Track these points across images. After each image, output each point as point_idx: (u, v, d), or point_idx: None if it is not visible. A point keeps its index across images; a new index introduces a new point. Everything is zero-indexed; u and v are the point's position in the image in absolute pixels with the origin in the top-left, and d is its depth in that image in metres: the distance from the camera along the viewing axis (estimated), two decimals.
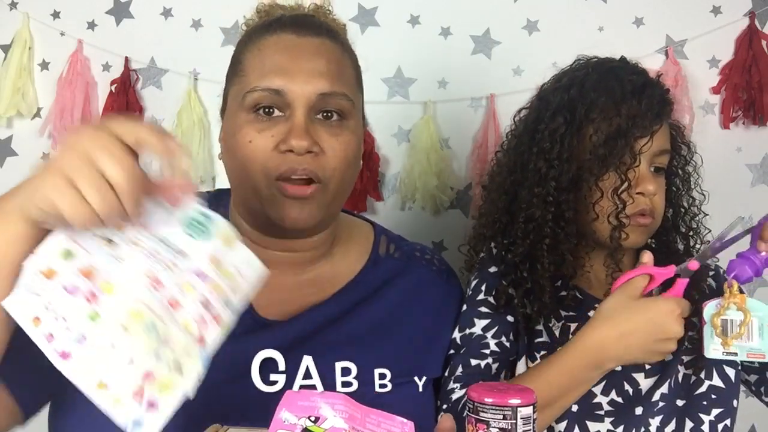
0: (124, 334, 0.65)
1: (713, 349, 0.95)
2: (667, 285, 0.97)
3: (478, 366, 1.03)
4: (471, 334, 1.05)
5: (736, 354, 0.95)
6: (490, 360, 1.03)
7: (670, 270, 0.96)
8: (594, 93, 1.05)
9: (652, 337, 0.93)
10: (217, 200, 1.05)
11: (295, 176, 0.91)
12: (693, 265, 0.96)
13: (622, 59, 1.11)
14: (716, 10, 1.60)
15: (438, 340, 1.05)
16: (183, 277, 0.70)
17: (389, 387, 0.95)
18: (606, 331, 0.94)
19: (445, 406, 1.00)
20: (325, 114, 0.93)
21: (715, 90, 1.61)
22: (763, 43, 1.57)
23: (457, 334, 1.06)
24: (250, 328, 0.93)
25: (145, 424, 0.65)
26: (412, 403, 0.97)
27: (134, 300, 0.67)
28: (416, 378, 0.99)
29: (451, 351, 1.05)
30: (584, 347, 0.94)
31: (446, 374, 1.03)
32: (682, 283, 0.96)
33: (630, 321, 0.93)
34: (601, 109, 1.04)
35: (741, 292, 0.96)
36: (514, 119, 1.19)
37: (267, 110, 0.92)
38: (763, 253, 0.91)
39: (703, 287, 1.09)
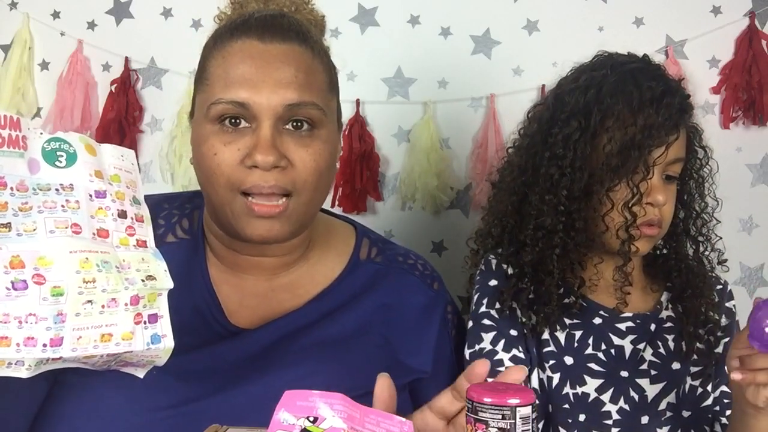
0: (89, 285, 0.66)
1: None
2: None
3: None
4: (481, 349, 1.03)
5: None
6: None
7: None
8: (611, 99, 1.01)
9: None
10: (191, 202, 1.04)
11: (262, 193, 0.88)
12: None
13: (644, 59, 1.07)
14: (716, 10, 1.59)
15: (417, 346, 1.00)
16: (88, 206, 0.70)
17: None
18: None
19: None
20: (294, 123, 0.90)
21: (715, 90, 1.60)
22: (763, 43, 1.57)
23: (466, 351, 1.04)
24: (220, 336, 0.92)
25: (160, 334, 0.70)
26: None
27: (73, 254, 0.66)
28: None
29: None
30: None
31: None
32: None
33: None
34: (617, 118, 1.00)
35: None
36: (527, 115, 1.16)
37: (233, 121, 0.89)
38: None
39: (711, 301, 1.09)
